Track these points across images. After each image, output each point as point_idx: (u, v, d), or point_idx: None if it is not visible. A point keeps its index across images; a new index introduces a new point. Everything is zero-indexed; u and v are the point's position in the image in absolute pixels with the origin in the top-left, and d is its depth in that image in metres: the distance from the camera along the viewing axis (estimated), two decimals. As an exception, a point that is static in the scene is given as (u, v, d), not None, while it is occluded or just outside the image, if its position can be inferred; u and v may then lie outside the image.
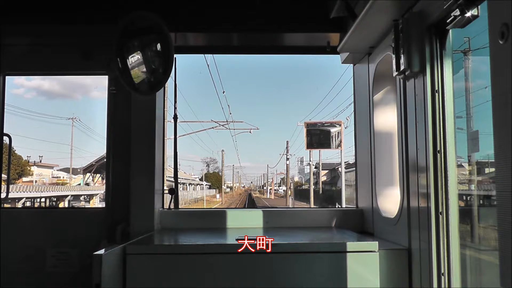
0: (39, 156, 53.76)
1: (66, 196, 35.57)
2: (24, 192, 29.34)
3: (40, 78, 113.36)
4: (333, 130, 22.69)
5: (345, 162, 25.76)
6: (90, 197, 38.90)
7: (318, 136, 23.10)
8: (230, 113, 66.18)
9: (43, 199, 31.67)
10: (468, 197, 2.68)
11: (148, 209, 3.17)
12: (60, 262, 3.21)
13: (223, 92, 39.60)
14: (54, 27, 3.30)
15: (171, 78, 3.06)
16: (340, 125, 22.83)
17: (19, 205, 26.69)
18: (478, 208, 2.48)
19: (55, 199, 34.10)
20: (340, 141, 22.65)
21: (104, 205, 3.36)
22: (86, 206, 31.33)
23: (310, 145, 23.77)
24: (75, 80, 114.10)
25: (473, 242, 2.38)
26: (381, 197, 3.01)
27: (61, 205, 32.64)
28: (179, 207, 3.45)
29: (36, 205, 29.63)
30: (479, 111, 2.31)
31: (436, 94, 2.19)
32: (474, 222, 2.44)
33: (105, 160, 3.78)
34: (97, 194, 39.02)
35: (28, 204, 28.98)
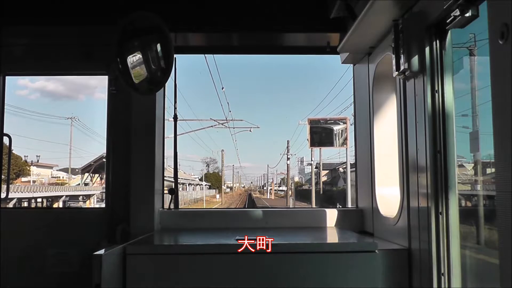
0: (37, 155, 53.49)
1: (61, 196, 35.23)
2: (16, 192, 28.63)
3: (44, 80, 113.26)
4: (336, 128, 22.24)
5: (345, 162, 25.62)
6: (87, 197, 38.71)
7: (320, 134, 22.71)
8: (230, 111, 66.00)
9: (39, 200, 31.41)
10: (468, 197, 2.68)
11: (148, 209, 3.17)
12: (60, 262, 3.20)
13: (222, 88, 38.83)
14: (54, 27, 3.30)
15: (171, 78, 3.06)
16: (345, 122, 22.21)
17: (10, 205, 26.47)
18: (479, 208, 2.48)
19: (50, 200, 33.83)
20: (345, 139, 22.20)
21: (102, 205, 3.36)
22: (82, 207, 31.08)
23: (313, 143, 23.40)
24: (80, 81, 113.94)
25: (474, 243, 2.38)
26: (381, 197, 3.02)
27: (55, 205, 32.30)
28: (179, 207, 3.45)
29: (33, 205, 29.36)
30: (485, 109, 2.30)
31: (436, 94, 2.19)
32: (474, 223, 2.43)
33: (103, 160, 3.79)
34: (94, 194, 38.82)
35: (25, 204, 28.70)
